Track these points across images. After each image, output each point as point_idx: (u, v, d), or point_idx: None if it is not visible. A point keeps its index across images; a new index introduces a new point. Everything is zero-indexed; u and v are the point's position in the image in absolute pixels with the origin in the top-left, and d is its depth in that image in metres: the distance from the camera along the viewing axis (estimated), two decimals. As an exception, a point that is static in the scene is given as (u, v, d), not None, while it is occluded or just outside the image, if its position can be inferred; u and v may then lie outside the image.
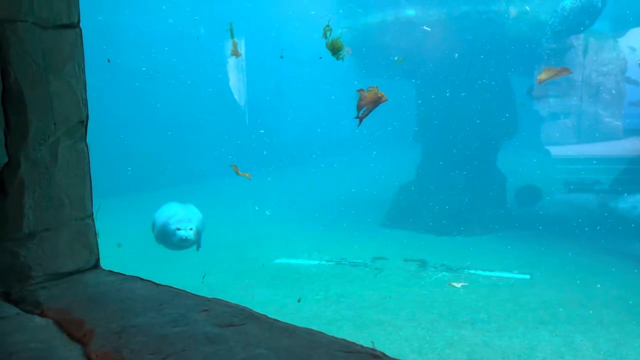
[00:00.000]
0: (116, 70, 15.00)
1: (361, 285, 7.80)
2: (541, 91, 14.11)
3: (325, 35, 4.41)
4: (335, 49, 4.32)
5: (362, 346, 1.54)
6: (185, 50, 16.53)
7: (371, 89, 3.39)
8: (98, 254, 2.81)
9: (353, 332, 5.98)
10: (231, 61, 19.20)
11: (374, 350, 1.53)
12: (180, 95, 16.63)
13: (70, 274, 2.49)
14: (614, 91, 14.04)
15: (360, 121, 3.42)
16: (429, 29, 10.69)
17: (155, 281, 2.44)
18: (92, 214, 2.83)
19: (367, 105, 3.35)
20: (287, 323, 1.74)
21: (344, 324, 6.26)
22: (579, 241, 10.24)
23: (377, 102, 3.35)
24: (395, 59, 9.51)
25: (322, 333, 1.59)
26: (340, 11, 12.14)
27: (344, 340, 1.56)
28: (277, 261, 9.25)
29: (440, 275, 8.43)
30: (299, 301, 7.16)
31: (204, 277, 7.56)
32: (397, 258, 9.43)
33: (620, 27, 13.71)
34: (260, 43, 17.45)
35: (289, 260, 9.34)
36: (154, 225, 7.56)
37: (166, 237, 7.25)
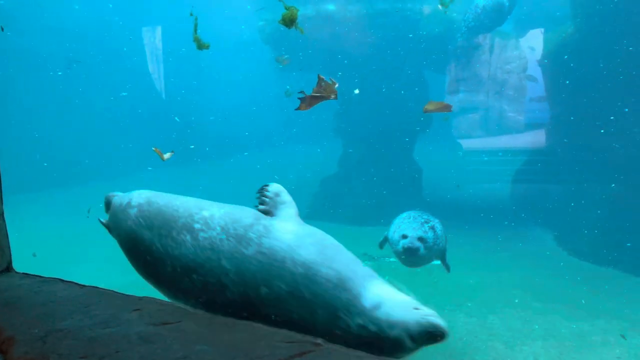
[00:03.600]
0: (24, 59, 13.91)
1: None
2: (452, 87, 14.92)
3: None
4: (290, 21, 4.04)
5: (302, 335, 1.56)
6: (97, 38, 15.61)
7: (330, 82, 3.30)
8: (10, 256, 2.62)
9: (280, 324, 6.01)
10: (149, 50, 18.41)
11: (315, 338, 1.56)
12: (95, 87, 15.71)
13: (-20, 278, 2.31)
14: (516, 88, 15.16)
15: (302, 106, 3.33)
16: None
17: (79, 282, 2.31)
18: (2, 213, 2.63)
19: (318, 94, 3.27)
20: (225, 317, 1.72)
21: (271, 317, 6.25)
22: (488, 228, 10.95)
23: (325, 97, 3.29)
24: (278, 59, 9.68)
25: (262, 325, 1.58)
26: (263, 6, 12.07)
27: (285, 331, 1.57)
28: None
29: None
30: None
31: None
32: (321, 250, 9.55)
33: (522, 28, 14.75)
34: (180, 32, 16.89)
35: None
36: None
37: (393, 246, 5.97)
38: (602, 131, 8.81)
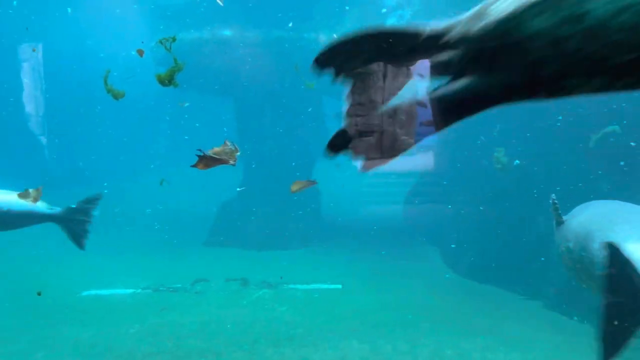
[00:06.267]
0: None
1: (180, 312, 7.54)
2: (350, 112, 15.48)
3: (165, 47, 3.96)
4: (168, 81, 3.95)
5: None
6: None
7: (233, 148, 3.26)
8: None
9: (171, 364, 5.75)
10: (26, 66, 17.04)
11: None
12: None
13: None
14: (408, 113, 16.08)
15: (199, 165, 3.26)
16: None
17: None
18: None
19: (218, 157, 3.22)
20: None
21: (161, 357, 5.97)
22: (383, 249, 11.40)
23: (224, 161, 3.25)
24: (180, 104, 9.61)
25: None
26: (162, 26, 11.73)
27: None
28: (86, 293, 8.45)
29: (261, 292, 8.60)
30: (38, 294, 6.62)
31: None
32: (218, 278, 9.36)
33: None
34: (64, 51, 15.82)
35: (99, 291, 8.60)
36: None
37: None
38: (466, 153, 9.68)
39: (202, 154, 3.39)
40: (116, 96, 4.57)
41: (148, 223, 13.10)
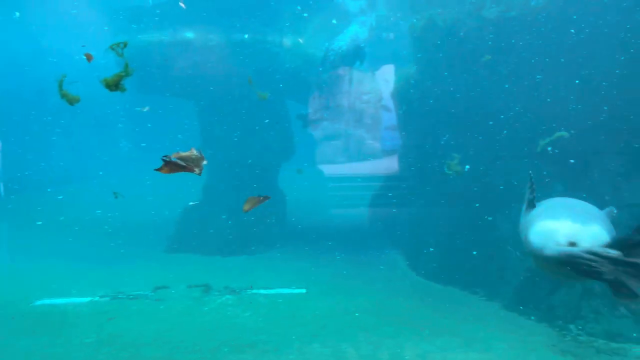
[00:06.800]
0: None
1: (140, 321, 7.35)
2: (314, 115, 15.52)
3: (116, 52, 3.89)
4: (115, 86, 3.89)
5: None
6: None
7: (199, 155, 3.18)
8: None
9: (128, 375, 5.59)
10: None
11: None
12: None
13: None
14: (373, 117, 16.27)
15: (163, 169, 3.18)
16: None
17: None
18: None
19: (183, 164, 3.14)
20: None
21: (117, 367, 5.81)
22: (347, 253, 11.42)
23: (189, 168, 3.16)
24: (141, 109, 9.52)
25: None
26: (106, 28, 11.49)
27: None
28: (39, 302, 8.14)
29: (223, 299, 8.48)
30: None
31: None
32: (180, 285, 9.17)
33: (376, 63, 15.93)
34: (16, 53, 15.28)
35: (53, 300, 8.29)
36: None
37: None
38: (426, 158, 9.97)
39: (167, 159, 3.32)
40: (71, 101, 4.43)
41: (106, 230, 12.75)
